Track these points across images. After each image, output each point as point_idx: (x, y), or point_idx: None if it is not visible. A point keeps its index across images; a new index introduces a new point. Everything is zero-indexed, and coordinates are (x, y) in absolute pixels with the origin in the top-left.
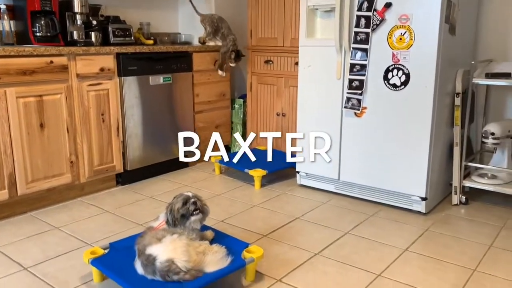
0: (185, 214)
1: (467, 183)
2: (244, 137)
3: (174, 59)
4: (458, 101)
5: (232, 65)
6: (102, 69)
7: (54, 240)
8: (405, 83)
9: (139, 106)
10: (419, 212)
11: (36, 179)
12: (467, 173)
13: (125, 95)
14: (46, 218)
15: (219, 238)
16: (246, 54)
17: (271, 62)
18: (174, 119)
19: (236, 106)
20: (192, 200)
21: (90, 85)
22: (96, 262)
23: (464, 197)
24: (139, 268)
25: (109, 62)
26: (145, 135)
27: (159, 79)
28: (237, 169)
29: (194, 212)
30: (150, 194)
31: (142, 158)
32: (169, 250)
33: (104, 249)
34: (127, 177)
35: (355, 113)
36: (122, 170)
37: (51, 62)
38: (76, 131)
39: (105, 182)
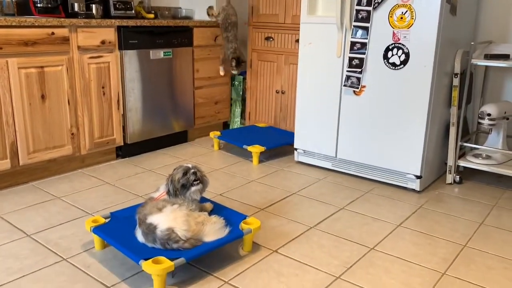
0: (185, 184)
1: (462, 163)
2: (243, 114)
3: (175, 34)
4: (456, 81)
5: (234, 72)
6: (103, 42)
7: (55, 209)
8: (404, 62)
9: (140, 80)
10: (413, 190)
11: (38, 150)
12: (462, 153)
13: (125, 69)
14: (47, 188)
15: (218, 210)
16: (245, 60)
17: (271, 39)
18: (174, 94)
19: (236, 82)
20: (192, 170)
21: (91, 57)
22: (98, 230)
23: (458, 176)
24: (140, 237)
25: (110, 35)
26: (145, 109)
27: (160, 54)
28: (235, 145)
29: (194, 182)
30: (149, 167)
31: (142, 132)
32: (170, 219)
33: (105, 218)
34: (127, 150)
35: (354, 91)
36: (122, 143)
37: (52, 33)
38: (77, 103)
39: (105, 155)
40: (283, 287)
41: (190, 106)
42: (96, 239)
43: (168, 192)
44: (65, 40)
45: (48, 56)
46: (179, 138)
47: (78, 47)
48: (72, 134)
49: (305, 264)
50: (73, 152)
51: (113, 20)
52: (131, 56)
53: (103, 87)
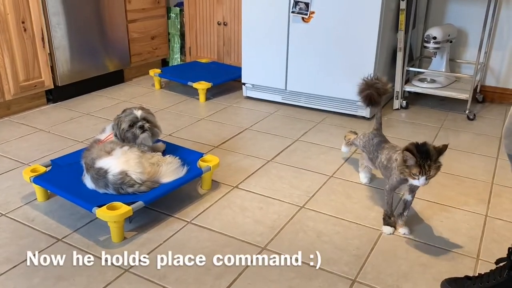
0: (132, 135)
1: (408, 88)
2: (183, 49)
3: None
4: (403, 4)
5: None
6: None
7: None
8: None
9: (66, 13)
10: (363, 117)
11: None
12: (406, 79)
13: (47, 0)
14: None
15: (172, 150)
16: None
17: None
18: (106, 29)
19: (173, 15)
20: (140, 124)
21: None
22: (39, 179)
23: (404, 101)
24: (89, 183)
25: None
26: (75, 47)
27: None
28: (179, 82)
29: (141, 135)
30: (86, 111)
31: (73, 73)
32: (121, 162)
33: (46, 166)
34: (58, 94)
35: (303, 18)
36: (52, 86)
37: None
38: None
39: (34, 100)
40: (249, 221)
41: (125, 42)
42: (38, 189)
43: (116, 136)
44: None
45: None
46: (115, 78)
47: None
48: None
49: (268, 196)
50: None
51: None
52: None
53: (23, 22)
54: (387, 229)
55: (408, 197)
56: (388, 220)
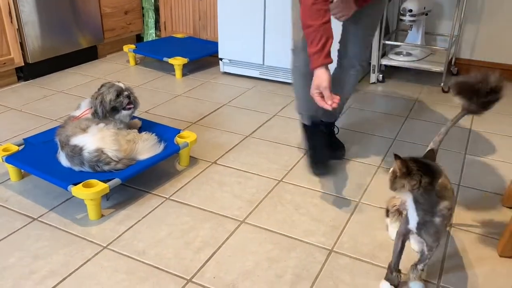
0: (117, 107)
1: (385, 62)
2: (157, 25)
3: None
4: None
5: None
6: None
7: None
8: None
9: None
10: None
11: None
12: (383, 52)
13: None
14: None
15: (148, 126)
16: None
17: None
18: (77, 3)
19: None
20: (126, 93)
21: None
22: (12, 159)
23: (381, 75)
24: (64, 160)
25: None
26: (45, 22)
27: None
28: (154, 58)
29: (127, 106)
30: (59, 89)
31: (44, 49)
32: (97, 139)
33: (18, 145)
34: (30, 72)
35: None
36: (23, 64)
37: None
38: None
39: (4, 78)
40: (228, 196)
41: (97, 17)
42: (11, 169)
43: (94, 113)
44: None
45: None
46: (89, 54)
47: None
48: None
49: (246, 171)
50: None
51: None
52: None
53: None
54: (384, 286)
55: (419, 247)
56: (389, 275)
